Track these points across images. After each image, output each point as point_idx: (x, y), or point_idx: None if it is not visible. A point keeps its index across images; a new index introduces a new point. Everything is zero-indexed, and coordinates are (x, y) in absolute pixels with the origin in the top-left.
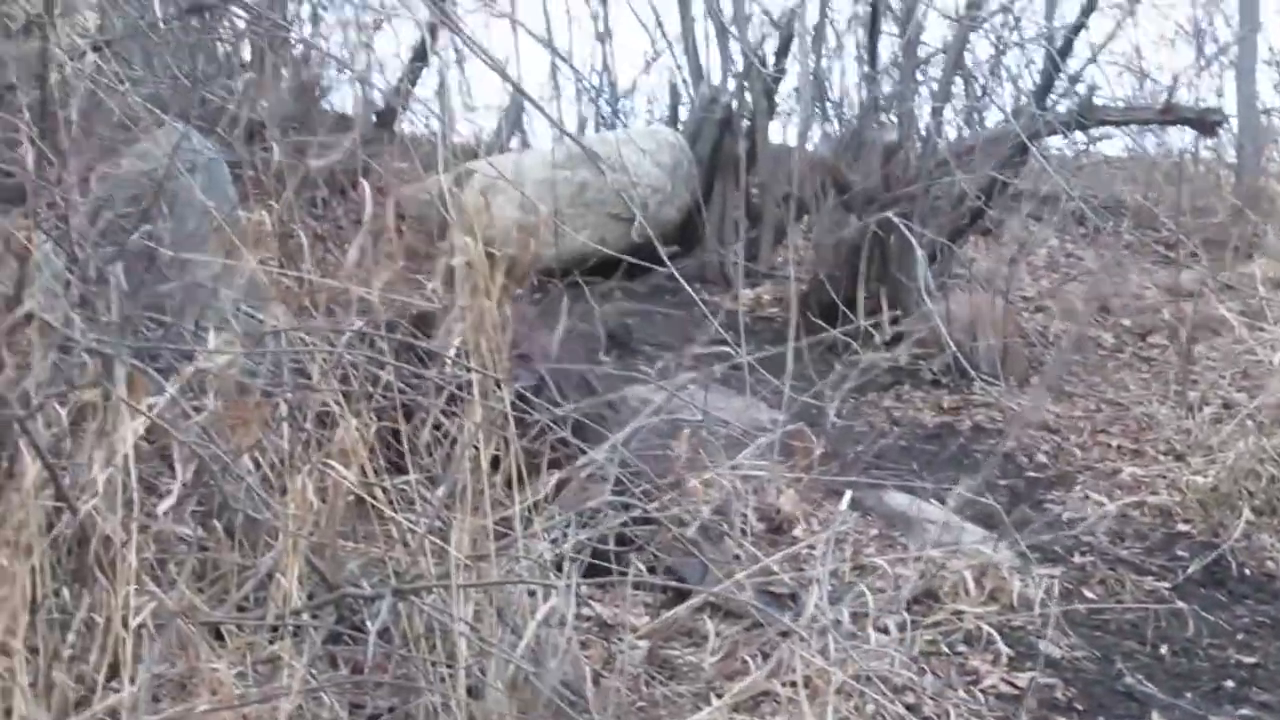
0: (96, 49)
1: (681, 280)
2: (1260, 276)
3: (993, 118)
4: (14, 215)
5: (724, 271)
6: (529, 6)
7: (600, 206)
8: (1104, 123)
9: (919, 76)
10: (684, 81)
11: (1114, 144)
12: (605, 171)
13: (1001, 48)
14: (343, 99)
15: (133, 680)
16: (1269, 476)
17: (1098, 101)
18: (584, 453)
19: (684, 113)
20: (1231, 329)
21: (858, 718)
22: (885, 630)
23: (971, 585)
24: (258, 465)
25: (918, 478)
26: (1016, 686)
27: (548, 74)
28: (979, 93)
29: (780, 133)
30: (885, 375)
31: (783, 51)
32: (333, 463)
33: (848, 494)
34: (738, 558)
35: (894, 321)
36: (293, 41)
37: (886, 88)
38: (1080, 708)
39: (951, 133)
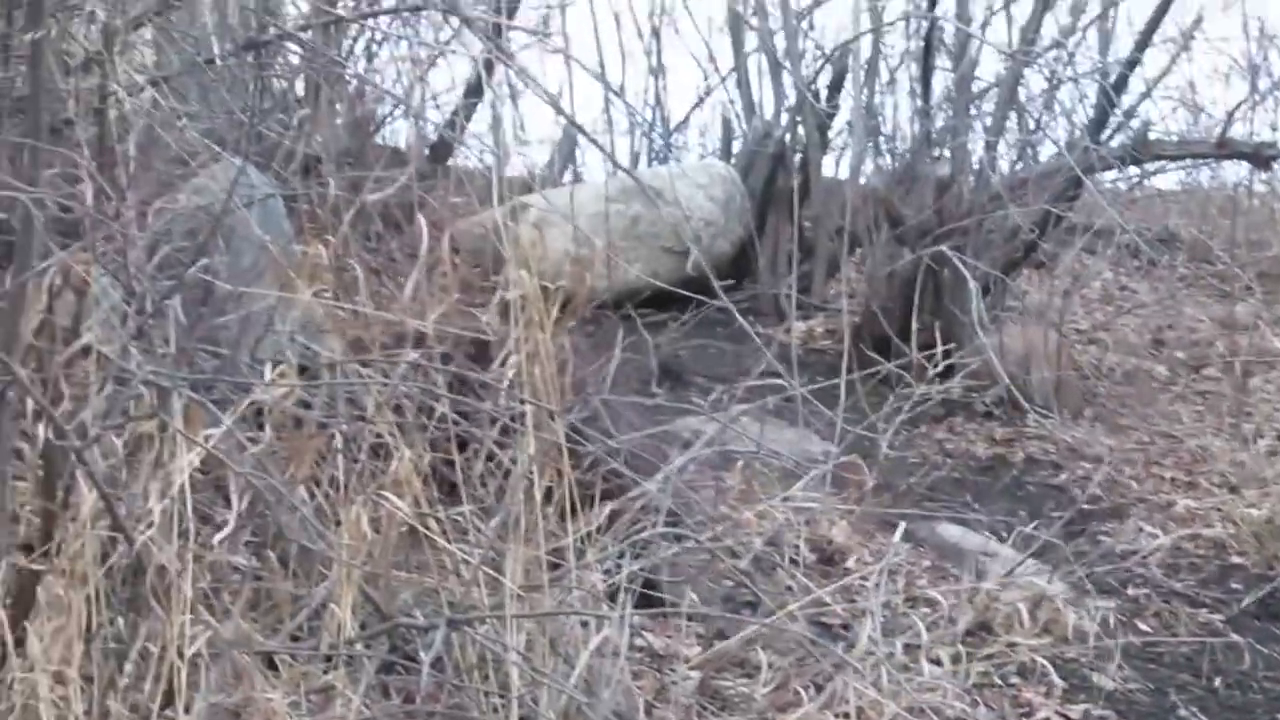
0: (154, 84)
1: (735, 312)
2: None
3: (1046, 152)
4: (73, 249)
5: (777, 304)
6: (582, 41)
7: (653, 240)
8: (1159, 157)
9: (972, 111)
10: (737, 115)
11: (1168, 178)
12: (659, 205)
13: (1055, 82)
14: (397, 134)
15: (188, 710)
16: None
17: (1152, 136)
18: (637, 484)
19: (737, 146)
20: None
21: None
22: (938, 662)
23: (1025, 617)
24: (312, 496)
25: (971, 510)
26: (1070, 719)
27: (601, 108)
28: (1032, 127)
29: (833, 167)
30: (938, 407)
31: (836, 86)
32: (387, 493)
33: (901, 526)
34: (790, 589)
35: (947, 354)
36: (348, 77)
37: (940, 122)
38: None
39: (1005, 167)
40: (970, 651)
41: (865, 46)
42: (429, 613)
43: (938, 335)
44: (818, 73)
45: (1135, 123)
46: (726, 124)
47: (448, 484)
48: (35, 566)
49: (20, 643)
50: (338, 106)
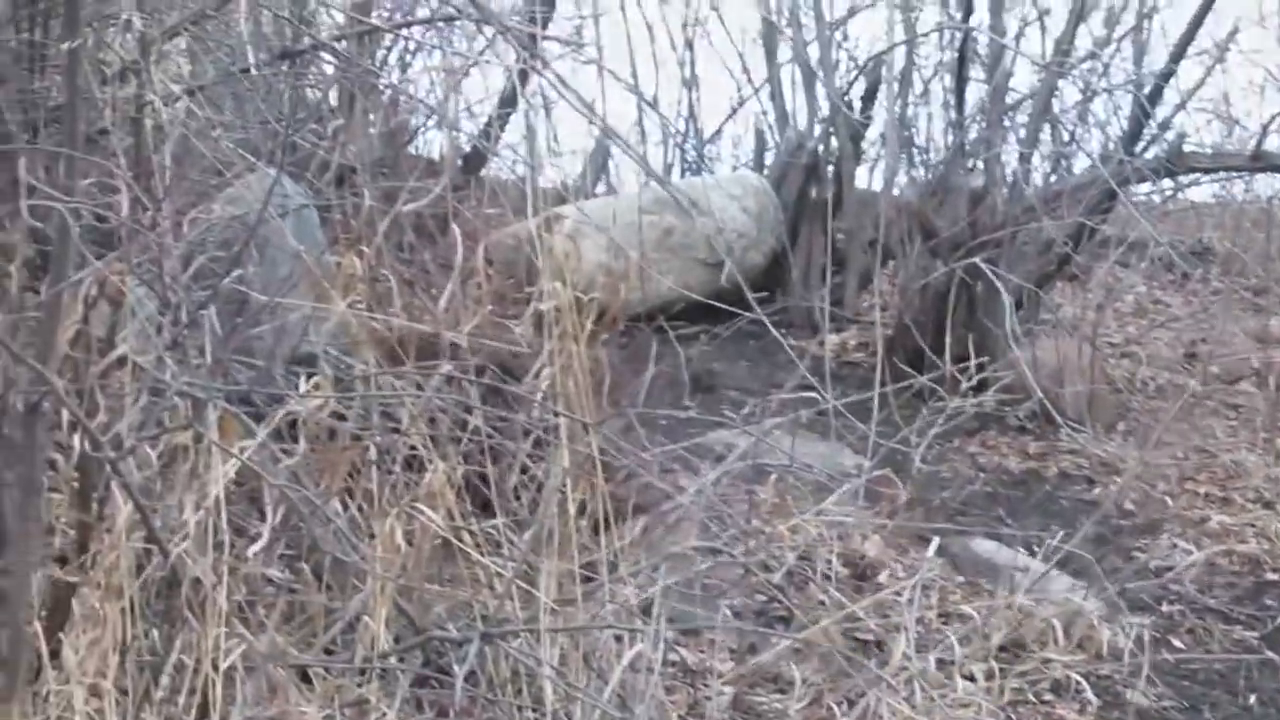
0: (189, 94)
1: (769, 324)
2: None
3: (1080, 164)
4: (108, 259)
5: (810, 316)
6: (615, 52)
7: (686, 251)
8: (1193, 169)
9: (1006, 123)
10: (770, 126)
11: (1202, 190)
12: (693, 217)
13: (1090, 94)
14: (431, 144)
15: None
16: None
17: (1187, 149)
18: (670, 497)
19: (770, 158)
20: None
21: None
22: (972, 678)
23: (1059, 633)
24: (346, 508)
25: (1004, 524)
26: None
27: (634, 119)
28: (1066, 139)
29: (866, 178)
30: (971, 421)
31: (869, 97)
32: (420, 506)
33: (934, 541)
34: (823, 604)
35: (980, 367)
36: (382, 87)
37: (973, 134)
38: None
39: (1039, 179)
40: (1004, 668)
41: (899, 57)
42: (463, 626)
43: (971, 348)
44: (851, 84)
45: (1170, 135)
46: (759, 135)
47: (481, 497)
48: (70, 578)
49: (55, 655)
50: (372, 116)
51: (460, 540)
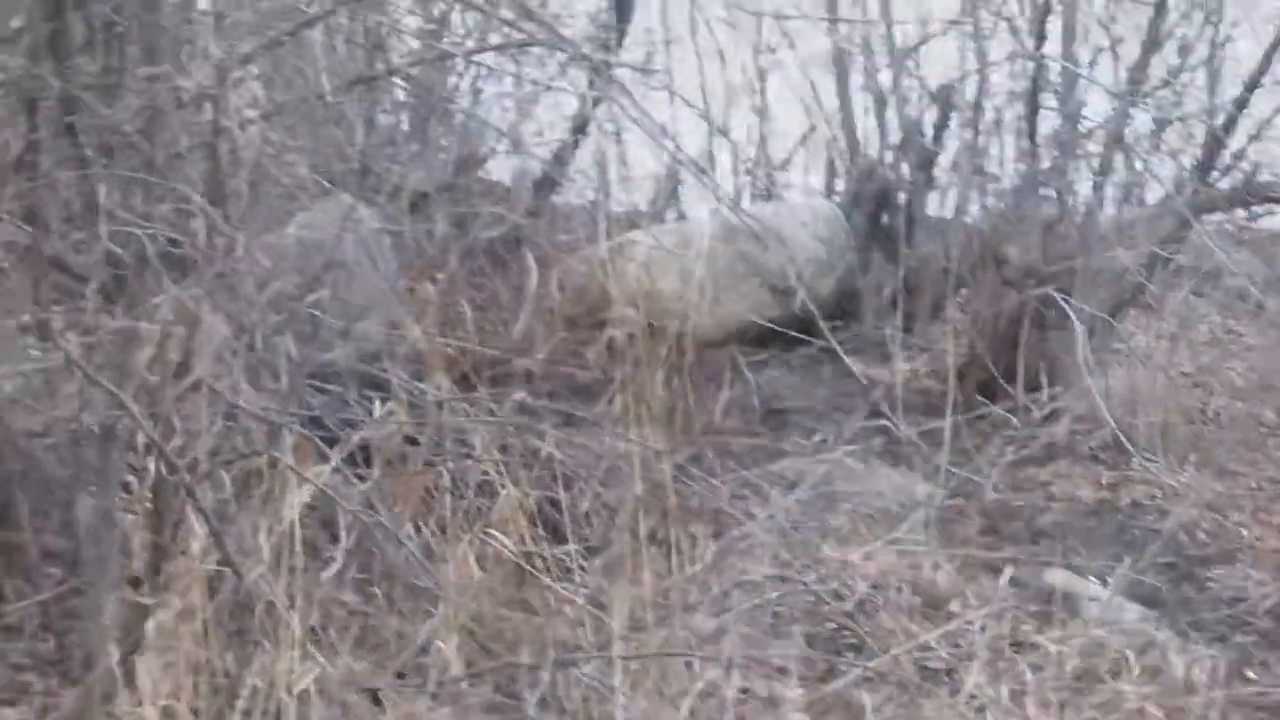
0: (265, 118)
1: (840, 352)
2: None
3: (1153, 193)
4: (185, 284)
5: (881, 344)
6: (686, 78)
7: (757, 278)
8: (1268, 199)
9: (1079, 151)
10: (841, 154)
11: (1277, 220)
12: (765, 243)
13: (1163, 123)
14: (503, 169)
15: None
16: None
17: (1261, 178)
18: (741, 524)
19: (840, 185)
20: None
21: None
22: (1045, 708)
23: (1132, 664)
24: (419, 532)
25: (1076, 554)
26: None
27: (704, 145)
28: (1139, 167)
29: (938, 206)
30: (1043, 450)
31: (941, 125)
32: (493, 531)
33: (1007, 570)
34: (894, 632)
35: (1052, 397)
36: (454, 112)
37: (1045, 162)
38: None
39: (1111, 207)
40: (1076, 698)
41: (971, 85)
42: (534, 652)
43: (1043, 377)
44: (923, 111)
45: (1244, 164)
46: (830, 162)
47: (553, 522)
48: (145, 600)
49: (129, 676)
50: (444, 142)
51: (532, 566)
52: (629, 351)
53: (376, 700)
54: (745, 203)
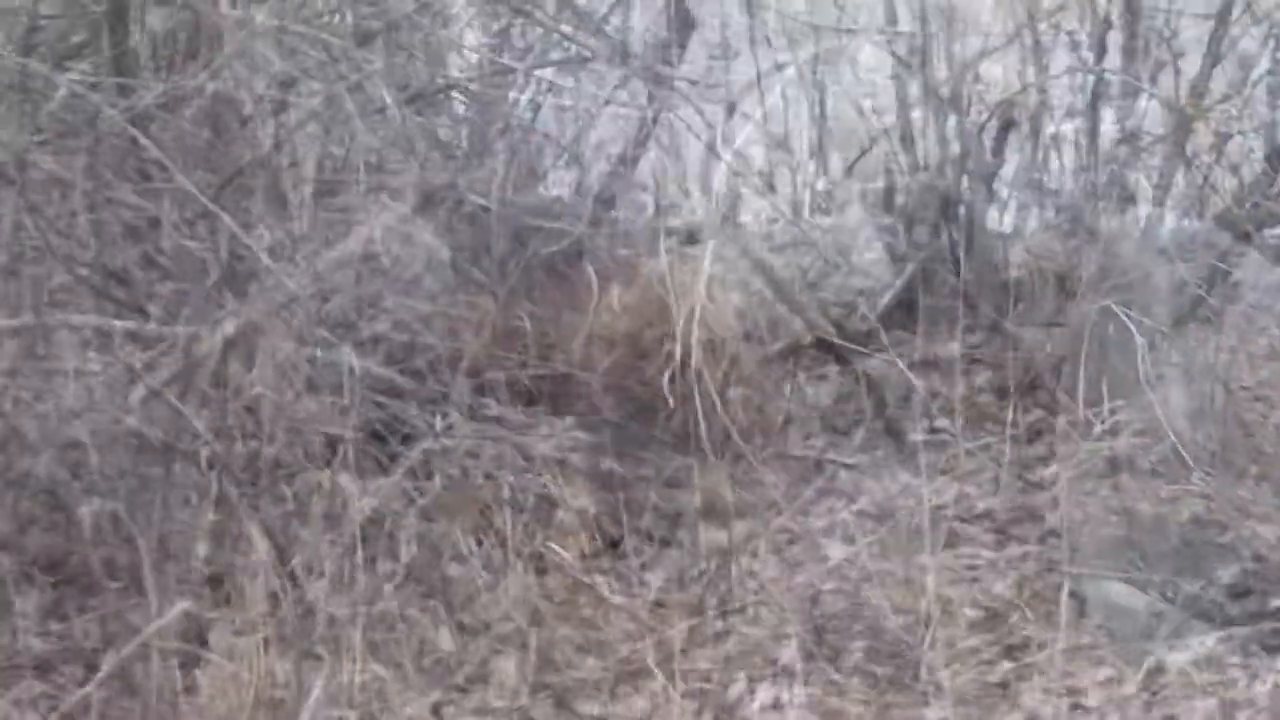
0: (326, 133)
1: (901, 365)
2: None
3: (1214, 206)
4: (247, 299)
5: (940, 357)
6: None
7: (816, 291)
8: None
9: (1139, 165)
10: (900, 167)
11: None
12: (825, 256)
13: (1224, 137)
14: (561, 183)
15: None
16: None
17: None
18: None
19: (900, 198)
20: None
21: None
22: None
23: (1195, 679)
24: (480, 545)
25: (1136, 568)
26: None
27: (764, 159)
28: (1200, 182)
29: (997, 220)
30: (1103, 464)
31: (1000, 138)
32: (553, 545)
33: (1065, 584)
34: (954, 646)
35: (1112, 411)
36: (513, 127)
37: (1105, 176)
38: None
39: (1171, 221)
40: (1140, 713)
41: (1031, 98)
42: (594, 665)
43: (1104, 391)
44: (983, 125)
45: None
46: (889, 175)
47: (612, 536)
48: (207, 614)
49: (190, 690)
50: (503, 156)
51: (592, 580)
52: (688, 366)
53: (437, 714)
54: (805, 215)
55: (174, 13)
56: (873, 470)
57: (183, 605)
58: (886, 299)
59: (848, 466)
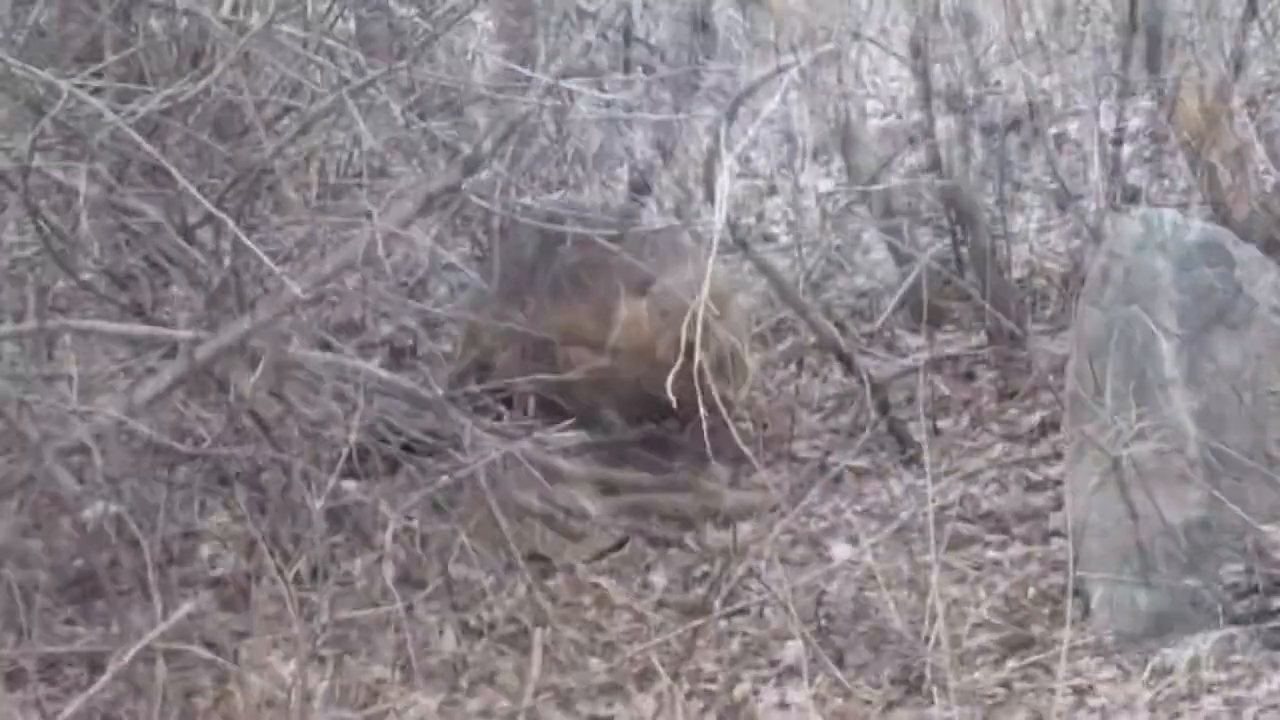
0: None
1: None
2: None
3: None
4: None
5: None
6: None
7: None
8: None
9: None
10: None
11: None
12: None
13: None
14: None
15: None
16: None
17: None
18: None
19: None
20: None
21: None
22: None
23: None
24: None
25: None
26: None
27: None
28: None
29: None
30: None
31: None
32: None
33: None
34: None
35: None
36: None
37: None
38: None
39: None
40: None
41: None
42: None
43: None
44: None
45: None
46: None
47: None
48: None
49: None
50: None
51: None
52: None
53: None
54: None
55: (176, 19)
56: (877, 471)
57: (187, 608)
58: (891, 300)
59: (852, 467)
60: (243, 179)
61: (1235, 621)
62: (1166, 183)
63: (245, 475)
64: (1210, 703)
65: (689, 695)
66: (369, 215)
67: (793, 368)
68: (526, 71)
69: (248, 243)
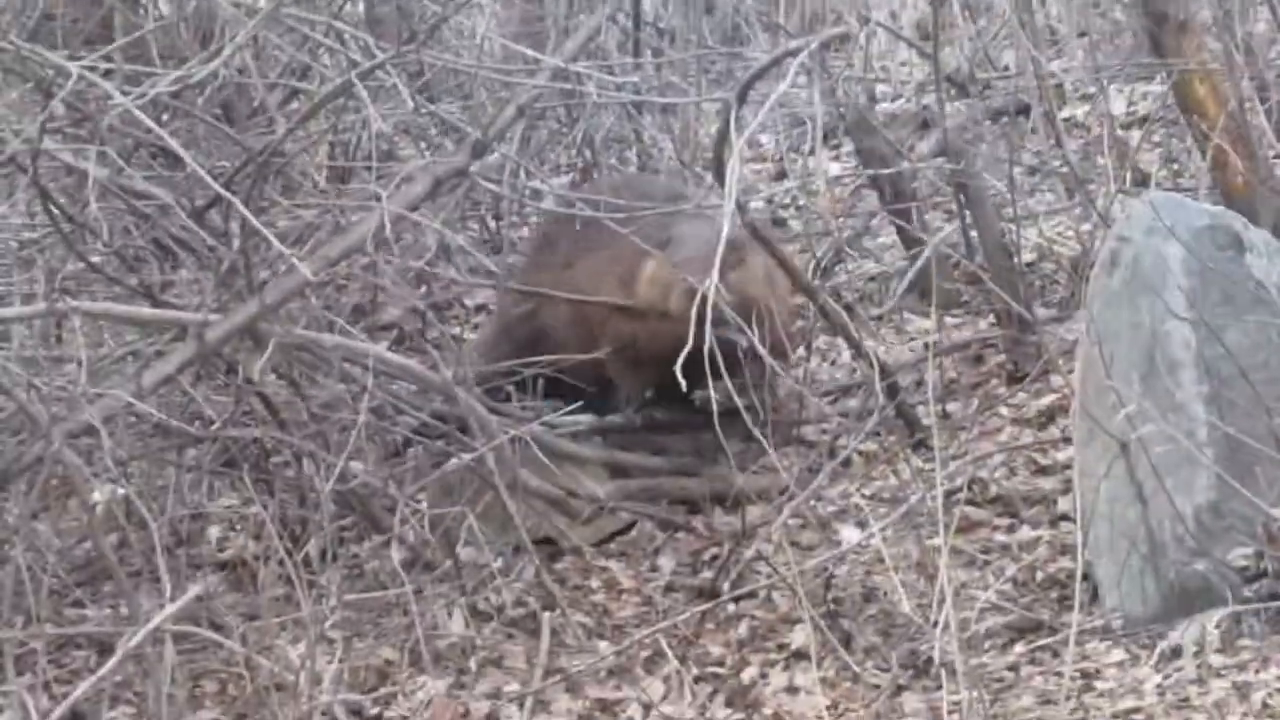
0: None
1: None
2: None
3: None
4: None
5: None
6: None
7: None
8: None
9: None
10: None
11: None
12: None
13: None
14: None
15: None
16: None
17: None
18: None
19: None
20: None
21: None
22: None
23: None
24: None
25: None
26: None
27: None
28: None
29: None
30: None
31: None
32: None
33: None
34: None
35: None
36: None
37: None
38: None
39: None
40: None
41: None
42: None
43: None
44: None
45: None
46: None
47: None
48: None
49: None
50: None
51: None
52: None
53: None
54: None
55: (186, 1)
56: (886, 455)
57: (195, 590)
58: (901, 284)
59: (861, 451)
60: (252, 162)
61: (1244, 605)
62: (1176, 166)
63: (254, 458)
64: (1219, 686)
65: (697, 679)
66: (378, 198)
67: (801, 351)
68: (536, 55)
69: (257, 225)
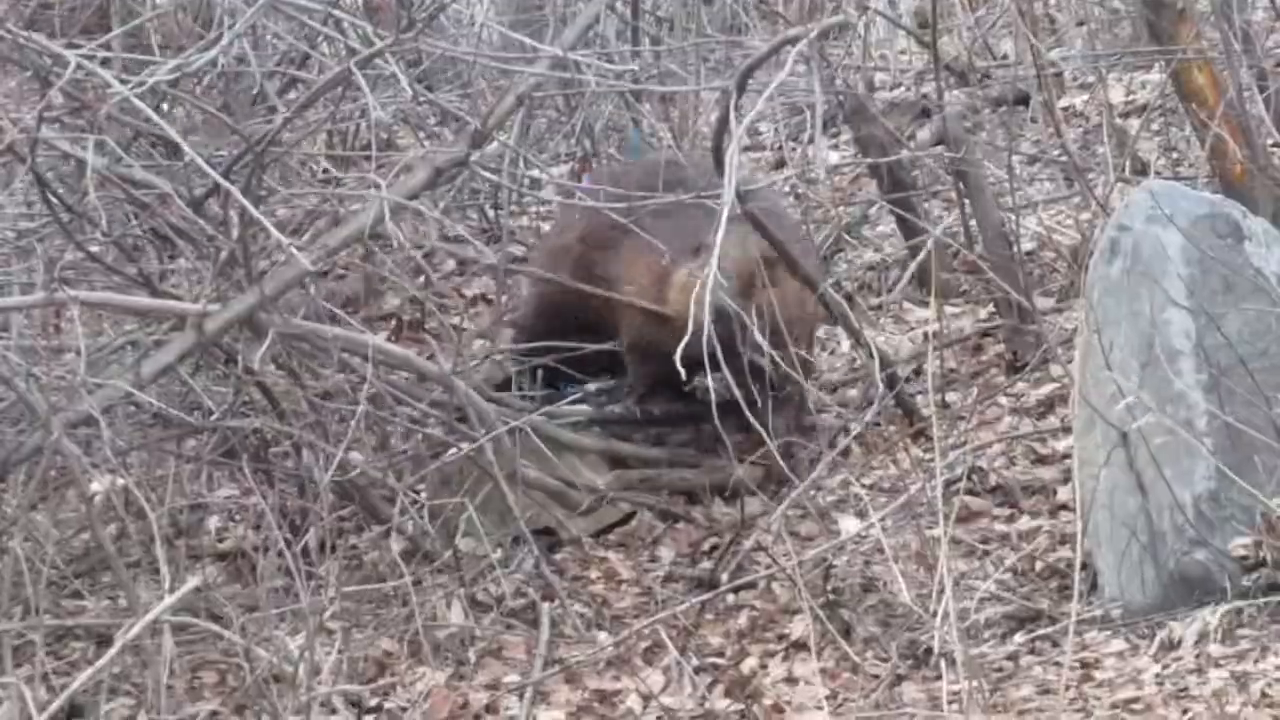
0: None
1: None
2: None
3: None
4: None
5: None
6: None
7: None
8: None
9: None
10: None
11: None
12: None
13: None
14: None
15: None
16: None
17: None
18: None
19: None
20: None
21: None
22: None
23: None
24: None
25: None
26: None
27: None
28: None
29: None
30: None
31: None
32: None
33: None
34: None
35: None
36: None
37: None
38: None
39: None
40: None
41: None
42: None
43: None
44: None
45: None
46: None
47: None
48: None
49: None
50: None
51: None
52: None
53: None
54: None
55: None
56: (885, 444)
57: (194, 581)
58: (899, 273)
59: (860, 440)
60: (250, 151)
61: (1243, 595)
62: (1175, 155)
63: (253, 448)
64: (1218, 676)
65: (697, 669)
66: (377, 187)
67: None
68: (534, 43)
69: (256, 214)
